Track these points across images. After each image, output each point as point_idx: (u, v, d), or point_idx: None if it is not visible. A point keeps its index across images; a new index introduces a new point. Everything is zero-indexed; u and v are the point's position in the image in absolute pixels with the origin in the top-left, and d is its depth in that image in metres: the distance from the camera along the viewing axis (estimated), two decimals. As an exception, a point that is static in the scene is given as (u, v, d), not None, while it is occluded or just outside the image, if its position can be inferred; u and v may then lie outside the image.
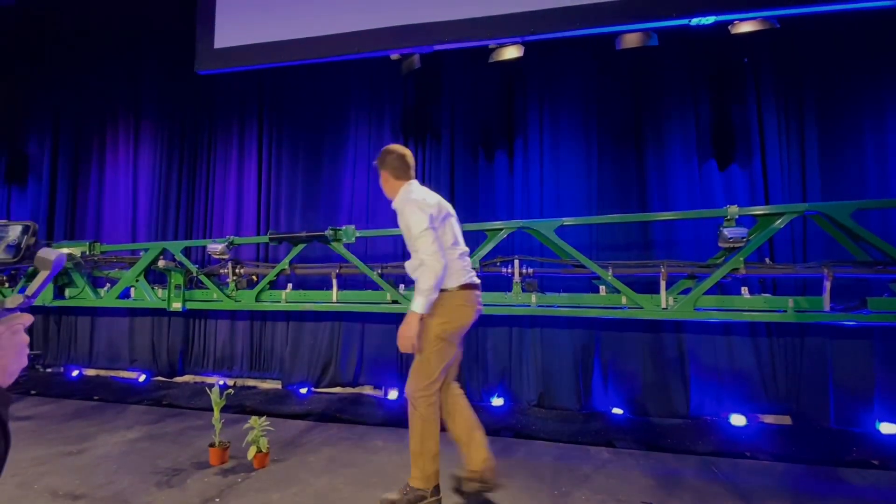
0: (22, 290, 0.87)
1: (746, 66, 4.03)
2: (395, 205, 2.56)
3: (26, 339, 0.82)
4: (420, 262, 2.33)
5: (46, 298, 4.80)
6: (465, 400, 2.61)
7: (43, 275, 0.91)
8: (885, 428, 3.49)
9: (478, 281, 2.56)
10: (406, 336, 2.31)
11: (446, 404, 2.53)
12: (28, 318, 0.85)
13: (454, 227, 2.55)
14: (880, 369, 3.58)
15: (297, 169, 5.07)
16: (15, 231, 1.26)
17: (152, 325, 5.28)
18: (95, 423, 3.80)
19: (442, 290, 2.38)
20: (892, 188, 3.69)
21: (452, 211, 2.61)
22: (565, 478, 2.84)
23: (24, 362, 0.81)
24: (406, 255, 4.51)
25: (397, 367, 4.50)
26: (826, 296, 3.26)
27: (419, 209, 2.37)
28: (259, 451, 2.91)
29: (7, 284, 4.97)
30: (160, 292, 4.70)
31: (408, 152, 2.61)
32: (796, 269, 3.47)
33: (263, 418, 2.97)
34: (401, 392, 4.50)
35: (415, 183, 2.60)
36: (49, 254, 0.91)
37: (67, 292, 4.96)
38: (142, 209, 5.49)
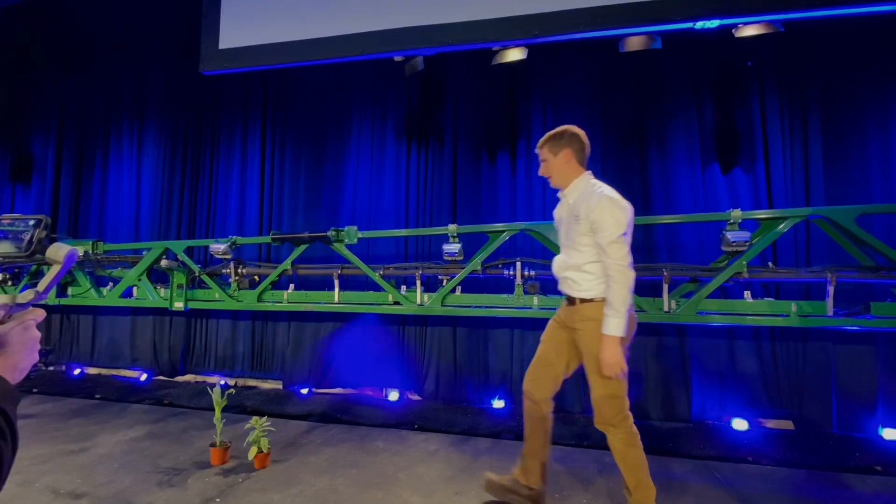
0: (25, 289, 0.85)
1: (750, 69, 4.02)
2: (570, 194, 2.30)
3: (38, 334, 0.81)
4: (612, 273, 2.08)
5: (49, 297, 4.81)
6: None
7: (55, 269, 0.88)
8: (888, 433, 3.47)
9: None
10: (612, 363, 2.07)
11: (542, 412, 2.42)
12: (40, 314, 0.84)
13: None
14: (883, 374, 3.56)
15: (299, 169, 5.08)
16: (27, 225, 1.24)
17: (154, 325, 5.29)
18: (97, 422, 3.81)
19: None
20: (896, 193, 3.68)
21: None
22: (566, 481, 2.84)
23: (36, 359, 0.80)
24: (407, 257, 4.57)
25: (398, 368, 4.50)
26: (829, 300, 3.25)
27: (622, 211, 2.11)
28: (260, 451, 2.91)
29: (11, 283, 4.98)
30: (162, 291, 4.71)
31: (586, 138, 2.33)
32: (799, 274, 3.46)
33: (264, 418, 2.98)
34: (402, 393, 4.50)
35: (590, 174, 2.33)
36: (61, 248, 0.88)
37: (70, 291, 4.98)
38: (145, 208, 5.50)
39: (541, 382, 2.43)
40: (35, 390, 4.66)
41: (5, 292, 4.80)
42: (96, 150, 5.76)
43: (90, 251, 4.75)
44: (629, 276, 2.06)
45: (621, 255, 2.07)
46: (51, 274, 0.88)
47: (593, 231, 2.13)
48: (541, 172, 2.40)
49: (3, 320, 0.79)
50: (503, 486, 2.45)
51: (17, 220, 1.26)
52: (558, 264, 2.34)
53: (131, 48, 5.59)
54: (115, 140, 5.69)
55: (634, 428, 2.23)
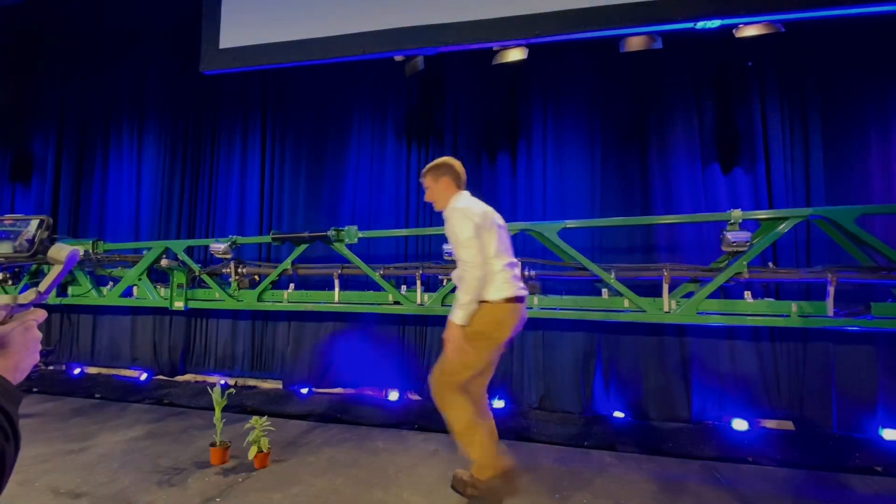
0: (24, 289, 0.85)
1: (751, 69, 4.02)
2: (445, 213, 2.54)
3: (39, 335, 0.81)
4: (461, 272, 2.34)
5: (50, 296, 4.79)
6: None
7: (56, 270, 0.88)
8: (889, 434, 3.47)
9: (523, 293, 2.49)
10: (450, 342, 2.33)
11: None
12: (41, 314, 0.83)
13: (501, 237, 2.51)
14: (884, 375, 3.56)
15: (300, 169, 5.08)
16: (30, 225, 1.24)
17: (154, 324, 5.29)
18: (97, 422, 3.81)
19: (484, 302, 2.36)
20: (896, 193, 3.68)
21: (502, 221, 2.60)
22: (566, 481, 2.83)
23: (37, 359, 0.80)
24: (408, 257, 4.57)
25: (398, 368, 4.50)
26: (830, 301, 3.25)
27: (465, 217, 2.38)
28: (260, 450, 2.91)
29: (11, 282, 4.98)
30: (163, 291, 4.71)
31: (461, 165, 2.64)
32: (800, 274, 3.46)
33: (264, 418, 2.98)
34: (402, 393, 4.50)
35: (465, 193, 2.62)
36: (62, 249, 0.88)
37: (70, 290, 4.97)
38: (145, 208, 5.50)
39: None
40: (35, 390, 4.66)
41: (6, 292, 4.80)
42: (96, 150, 5.76)
43: (90, 250, 4.74)
44: (474, 276, 2.31)
45: (467, 257, 2.33)
46: (52, 274, 0.88)
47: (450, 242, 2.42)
48: (426, 198, 2.67)
49: (5, 321, 0.79)
50: (463, 480, 2.48)
51: (19, 220, 1.26)
52: (454, 276, 2.52)
53: (132, 47, 5.59)
54: (116, 139, 5.69)
55: (465, 415, 2.36)
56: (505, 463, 2.41)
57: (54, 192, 5.80)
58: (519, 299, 2.45)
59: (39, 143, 5.96)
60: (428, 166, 2.66)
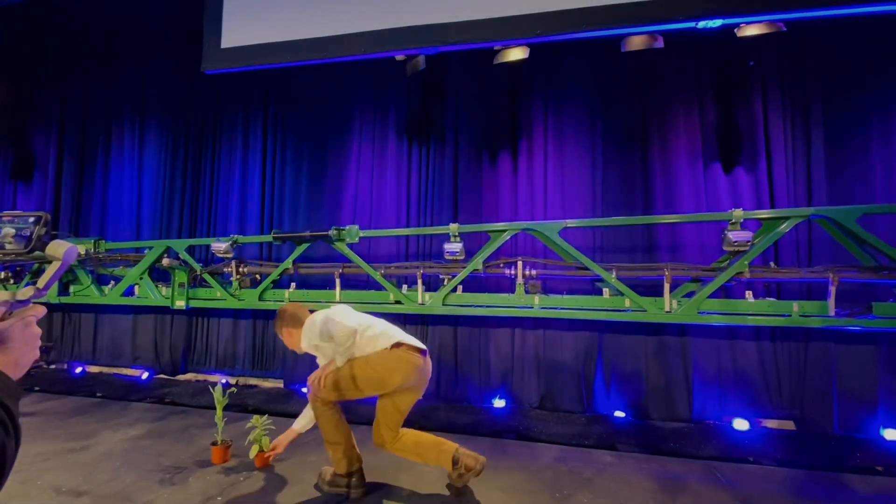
0: (28, 286, 0.85)
1: (752, 69, 4.01)
2: (308, 346, 2.74)
3: (38, 331, 0.81)
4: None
5: (51, 295, 4.82)
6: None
7: (55, 266, 0.88)
8: (890, 434, 3.46)
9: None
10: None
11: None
12: (41, 310, 0.83)
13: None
14: (885, 375, 3.56)
15: (301, 168, 5.08)
16: (27, 222, 1.24)
17: (155, 323, 5.30)
18: (98, 421, 3.82)
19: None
20: (898, 193, 3.67)
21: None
22: (567, 480, 2.83)
23: (37, 355, 0.80)
24: (408, 256, 4.57)
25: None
26: (831, 300, 3.25)
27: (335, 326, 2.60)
28: (261, 450, 2.91)
29: (13, 281, 4.99)
30: (164, 290, 4.72)
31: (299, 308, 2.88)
32: (801, 274, 3.46)
33: (265, 417, 2.98)
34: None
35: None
36: (60, 244, 0.88)
37: (72, 289, 4.98)
38: (146, 207, 5.51)
39: None
40: (37, 389, 4.67)
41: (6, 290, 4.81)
42: (98, 149, 5.77)
43: (92, 250, 4.75)
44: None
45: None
46: (51, 270, 0.88)
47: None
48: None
49: (4, 317, 0.79)
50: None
51: (18, 216, 1.26)
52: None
53: (133, 46, 5.59)
54: (117, 138, 5.70)
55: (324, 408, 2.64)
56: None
57: (56, 191, 5.81)
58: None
59: (41, 142, 5.96)
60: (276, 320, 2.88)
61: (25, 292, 0.83)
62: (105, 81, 5.71)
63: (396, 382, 2.59)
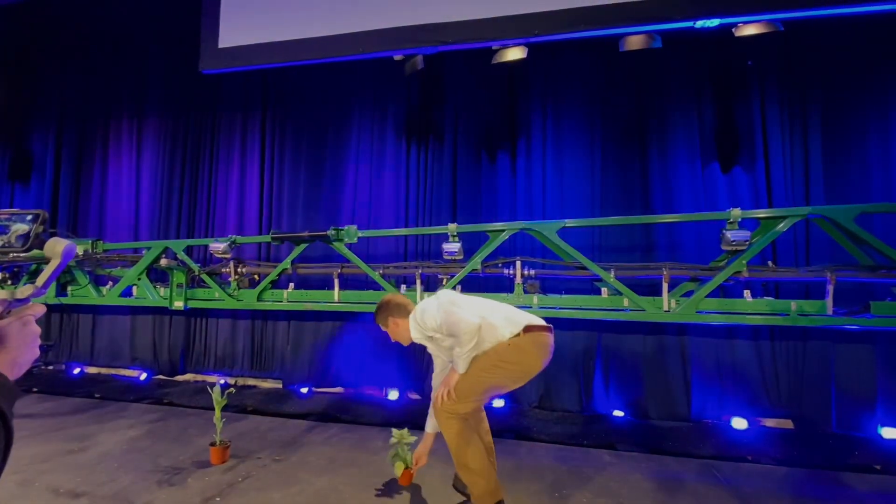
0: (27, 284, 0.84)
1: (750, 68, 4.02)
2: (420, 337, 2.53)
3: (38, 329, 0.80)
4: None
5: (49, 296, 4.80)
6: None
7: (53, 264, 0.87)
8: (888, 432, 3.47)
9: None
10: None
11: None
12: (40, 309, 0.82)
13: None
14: (883, 374, 3.57)
15: (299, 168, 5.08)
16: (24, 220, 1.23)
17: (154, 324, 5.29)
18: (96, 421, 3.81)
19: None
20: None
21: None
22: (566, 480, 2.84)
23: (36, 354, 0.79)
24: (407, 256, 4.57)
25: (398, 367, 4.50)
26: (829, 300, 3.25)
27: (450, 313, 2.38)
28: (407, 467, 2.62)
29: (10, 282, 4.98)
30: (162, 291, 4.70)
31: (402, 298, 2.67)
32: (799, 273, 3.46)
33: (405, 430, 2.67)
34: (402, 393, 4.50)
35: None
36: (58, 243, 0.86)
37: (70, 290, 4.97)
38: (144, 207, 5.50)
39: None
40: (35, 389, 4.66)
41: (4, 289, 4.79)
42: (95, 149, 5.76)
43: (90, 250, 4.73)
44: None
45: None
46: (49, 269, 0.87)
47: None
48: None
49: (2, 316, 0.79)
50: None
51: (14, 214, 1.25)
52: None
53: (131, 46, 5.58)
54: (115, 139, 5.69)
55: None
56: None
57: (53, 192, 5.80)
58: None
59: (39, 143, 5.95)
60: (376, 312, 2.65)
61: (24, 290, 0.82)
62: (103, 82, 5.69)
63: (538, 370, 2.40)
